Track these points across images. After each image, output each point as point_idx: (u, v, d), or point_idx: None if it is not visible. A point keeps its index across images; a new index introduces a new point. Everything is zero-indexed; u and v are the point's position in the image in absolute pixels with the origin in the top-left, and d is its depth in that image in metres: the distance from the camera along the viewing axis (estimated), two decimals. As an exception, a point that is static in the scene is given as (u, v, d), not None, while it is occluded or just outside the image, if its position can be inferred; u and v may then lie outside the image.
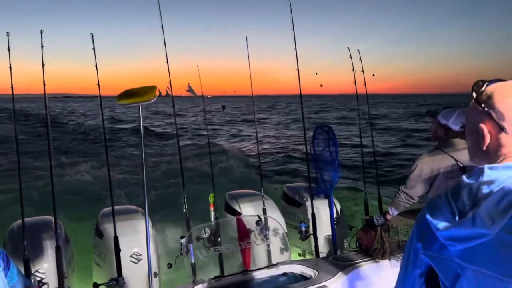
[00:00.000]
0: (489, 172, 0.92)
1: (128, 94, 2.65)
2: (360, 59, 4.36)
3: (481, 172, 0.93)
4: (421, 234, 0.99)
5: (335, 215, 4.05)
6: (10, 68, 3.23)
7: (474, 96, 1.05)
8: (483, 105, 1.01)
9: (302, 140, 4.54)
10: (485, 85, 1.04)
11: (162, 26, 3.62)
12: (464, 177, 0.96)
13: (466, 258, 0.89)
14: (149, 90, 2.59)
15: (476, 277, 0.88)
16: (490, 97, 1.01)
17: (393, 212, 3.35)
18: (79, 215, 6.54)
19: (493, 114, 0.99)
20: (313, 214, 4.03)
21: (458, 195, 0.94)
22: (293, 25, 4.03)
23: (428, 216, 0.96)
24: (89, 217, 4.99)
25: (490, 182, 0.90)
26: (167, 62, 3.65)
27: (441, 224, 0.92)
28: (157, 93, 2.60)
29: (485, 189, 0.89)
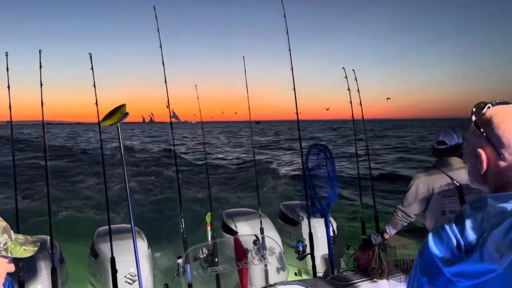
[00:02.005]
0: (493, 202, 0.89)
1: (106, 117, 2.78)
2: (356, 79, 4.41)
3: (484, 202, 0.90)
4: (426, 268, 0.93)
5: (331, 234, 4.03)
6: (9, 87, 3.25)
7: (473, 119, 1.02)
8: (481, 130, 0.99)
9: (298, 159, 4.54)
10: (487, 107, 1.01)
11: (161, 46, 3.65)
12: (467, 207, 0.92)
13: None
14: (119, 109, 2.73)
15: None
16: (489, 121, 0.98)
17: (390, 231, 3.35)
18: (75, 235, 6.48)
19: (492, 140, 0.96)
20: (310, 234, 4.01)
21: (462, 225, 0.89)
22: (289, 46, 4.07)
23: (432, 249, 0.91)
24: (85, 236, 4.94)
25: (494, 213, 0.86)
26: (165, 82, 3.67)
27: (447, 259, 0.87)
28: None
29: (490, 220, 0.86)
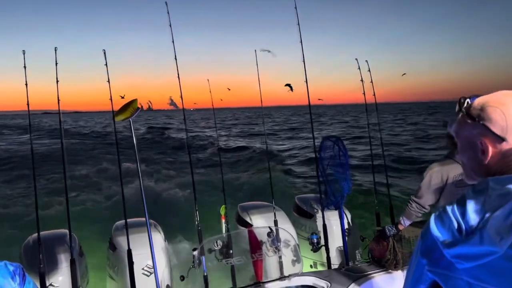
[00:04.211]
0: (494, 185, 0.89)
1: (119, 111, 2.81)
2: (369, 70, 4.39)
3: (485, 185, 0.90)
4: (427, 250, 0.94)
5: (346, 226, 4.04)
6: (26, 84, 3.33)
7: (464, 111, 1.02)
8: (476, 119, 0.99)
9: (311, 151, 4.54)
10: (466, 101, 1.03)
11: (173, 42, 3.70)
12: (470, 190, 0.92)
13: (476, 276, 0.85)
14: (131, 104, 2.76)
15: None
16: (482, 109, 0.99)
17: (405, 222, 3.34)
18: (93, 228, 6.61)
19: (490, 126, 0.96)
20: (324, 225, 4.02)
21: (464, 208, 0.89)
22: (300, 38, 4.08)
23: (433, 232, 0.91)
24: (103, 230, 5.04)
25: (496, 196, 0.86)
26: (178, 77, 3.71)
27: (448, 241, 0.87)
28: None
29: (491, 203, 0.85)
